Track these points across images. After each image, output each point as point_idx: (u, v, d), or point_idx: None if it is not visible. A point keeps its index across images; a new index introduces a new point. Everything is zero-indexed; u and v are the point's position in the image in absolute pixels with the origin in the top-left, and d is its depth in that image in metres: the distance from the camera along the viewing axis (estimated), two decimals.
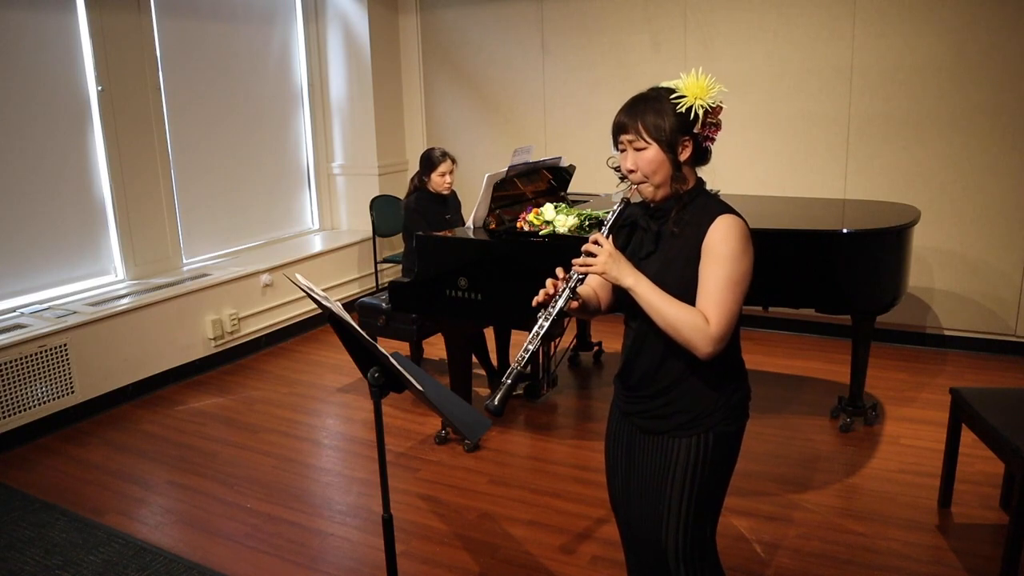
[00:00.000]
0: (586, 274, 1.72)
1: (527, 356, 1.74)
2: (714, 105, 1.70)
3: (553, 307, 1.72)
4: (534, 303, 1.75)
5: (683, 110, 1.68)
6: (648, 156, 1.70)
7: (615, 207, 1.80)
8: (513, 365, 1.74)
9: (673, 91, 1.70)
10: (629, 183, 1.77)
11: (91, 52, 4.40)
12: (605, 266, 1.68)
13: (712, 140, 1.74)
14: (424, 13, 6.02)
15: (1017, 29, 4.21)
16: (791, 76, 4.80)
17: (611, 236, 1.78)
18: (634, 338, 1.82)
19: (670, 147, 1.69)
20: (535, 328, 1.74)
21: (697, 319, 1.64)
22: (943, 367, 4.52)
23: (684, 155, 1.71)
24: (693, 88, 1.68)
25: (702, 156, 1.76)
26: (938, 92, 4.46)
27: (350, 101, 6.01)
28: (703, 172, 1.82)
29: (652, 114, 1.69)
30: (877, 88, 4.60)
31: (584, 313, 1.89)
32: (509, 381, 1.72)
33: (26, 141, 4.18)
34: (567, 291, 1.72)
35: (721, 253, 1.65)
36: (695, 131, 1.70)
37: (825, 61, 4.70)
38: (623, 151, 1.75)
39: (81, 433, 4.01)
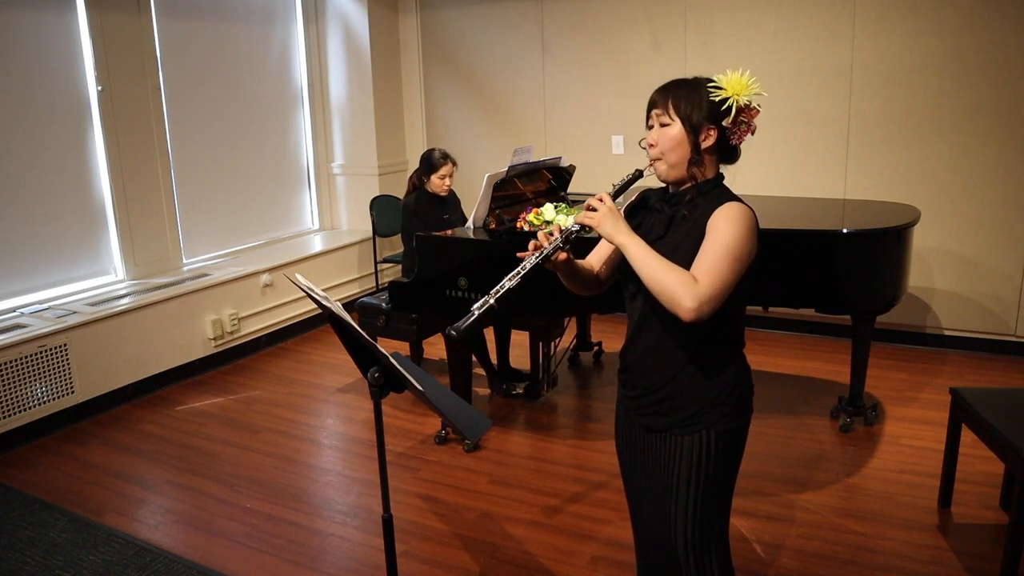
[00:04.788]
0: (582, 225, 1.74)
1: (502, 291, 1.75)
2: (750, 105, 1.71)
3: (541, 253, 1.75)
4: (530, 246, 1.78)
5: (716, 100, 1.69)
6: (670, 133, 1.72)
7: (628, 174, 1.82)
8: (485, 297, 1.75)
9: (713, 81, 1.72)
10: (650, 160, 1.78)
11: (91, 52, 4.40)
12: (602, 219, 1.70)
13: (739, 139, 1.74)
14: (424, 13, 6.02)
15: (1017, 29, 4.21)
16: (791, 76, 4.80)
17: (618, 200, 1.79)
18: (637, 320, 1.82)
19: (693, 130, 1.71)
20: (518, 267, 1.75)
21: (686, 277, 1.62)
22: (943, 367, 4.52)
23: (706, 143, 1.72)
24: (733, 84, 1.70)
25: (729, 154, 1.77)
26: (938, 92, 4.46)
27: (350, 101, 6.01)
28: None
29: (684, 95, 1.72)
30: (877, 88, 4.60)
31: (575, 280, 1.89)
32: (477, 312, 1.74)
33: (26, 141, 4.18)
34: (559, 240, 1.75)
35: (723, 230, 1.65)
36: (723, 123, 1.71)
37: (825, 61, 4.70)
38: (651, 127, 1.77)
39: (81, 433, 4.01)
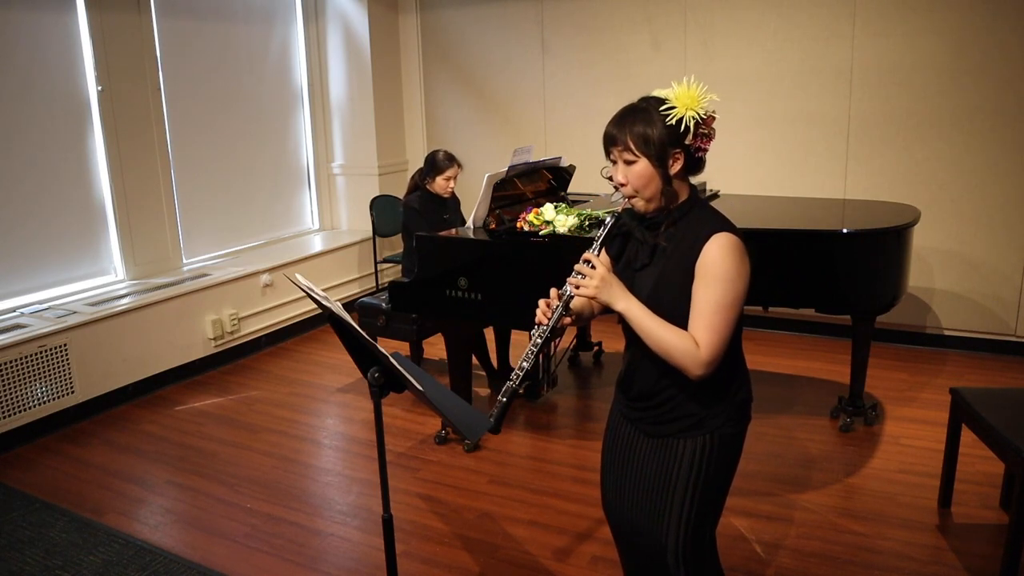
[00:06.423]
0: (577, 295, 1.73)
1: (522, 374, 1.77)
2: (706, 115, 1.66)
3: (547, 327, 1.75)
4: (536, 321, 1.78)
5: (673, 122, 1.63)
6: (637, 170, 1.67)
7: (606, 222, 1.80)
8: (508, 383, 1.77)
9: (663, 101, 1.66)
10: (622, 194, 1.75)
11: (91, 52, 4.40)
12: (597, 291, 1.69)
13: (704, 150, 1.69)
14: (424, 13, 6.02)
15: (1017, 29, 4.21)
16: (791, 76, 4.80)
17: (603, 251, 1.79)
18: (632, 354, 1.83)
19: (660, 161, 1.65)
20: (529, 346, 1.77)
21: (688, 344, 1.63)
22: (943, 367, 4.52)
23: (675, 168, 1.68)
24: (684, 98, 1.63)
25: (695, 166, 1.72)
26: (938, 92, 4.46)
27: (350, 101, 6.01)
28: (702, 175, 1.80)
29: (641, 126, 1.65)
30: (877, 88, 4.60)
31: (580, 322, 1.92)
32: (505, 400, 1.76)
33: (26, 141, 4.18)
34: (559, 309, 1.75)
35: (715, 275, 1.62)
36: (686, 143, 1.66)
37: (825, 61, 4.70)
38: (614, 162, 1.72)
39: (81, 433, 4.01)
